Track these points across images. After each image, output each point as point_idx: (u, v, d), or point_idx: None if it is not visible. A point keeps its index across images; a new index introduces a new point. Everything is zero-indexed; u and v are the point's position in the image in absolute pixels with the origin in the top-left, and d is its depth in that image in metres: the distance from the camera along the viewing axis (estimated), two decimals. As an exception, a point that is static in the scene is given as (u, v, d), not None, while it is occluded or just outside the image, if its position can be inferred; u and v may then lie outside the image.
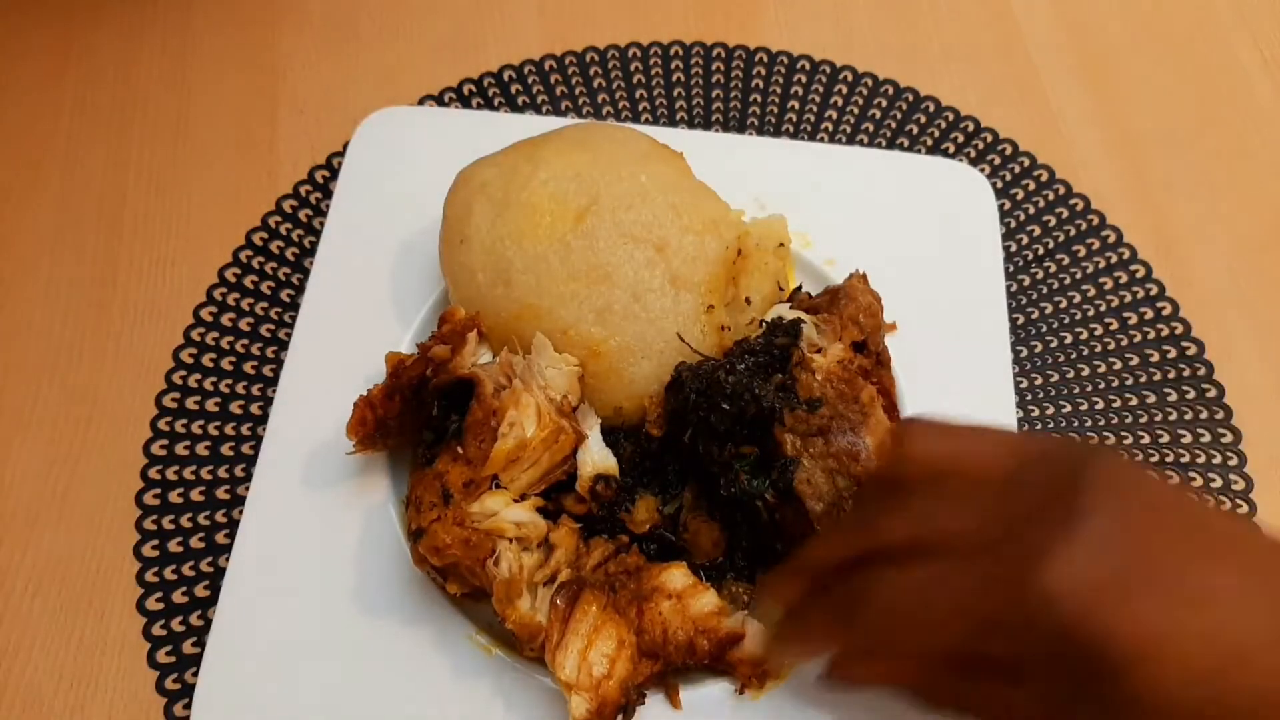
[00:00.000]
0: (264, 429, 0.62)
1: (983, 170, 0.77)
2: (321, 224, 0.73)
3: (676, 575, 0.54)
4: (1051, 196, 0.77)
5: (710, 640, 0.53)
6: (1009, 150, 0.79)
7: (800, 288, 0.67)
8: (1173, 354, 0.70)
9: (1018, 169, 0.78)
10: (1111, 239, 0.75)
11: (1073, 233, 0.76)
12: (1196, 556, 0.36)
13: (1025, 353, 0.70)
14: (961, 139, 0.80)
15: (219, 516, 0.64)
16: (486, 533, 0.52)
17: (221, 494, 0.65)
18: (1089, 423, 0.68)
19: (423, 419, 0.58)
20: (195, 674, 0.56)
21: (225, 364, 0.69)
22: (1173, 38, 0.86)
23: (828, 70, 0.83)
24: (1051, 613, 0.35)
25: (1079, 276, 0.74)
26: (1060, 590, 0.35)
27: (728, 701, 0.54)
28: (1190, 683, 0.34)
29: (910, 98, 0.81)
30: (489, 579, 0.52)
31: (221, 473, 0.65)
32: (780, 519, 0.55)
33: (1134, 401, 0.69)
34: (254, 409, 0.68)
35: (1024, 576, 0.36)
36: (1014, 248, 0.75)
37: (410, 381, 0.56)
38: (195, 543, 0.63)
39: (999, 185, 0.77)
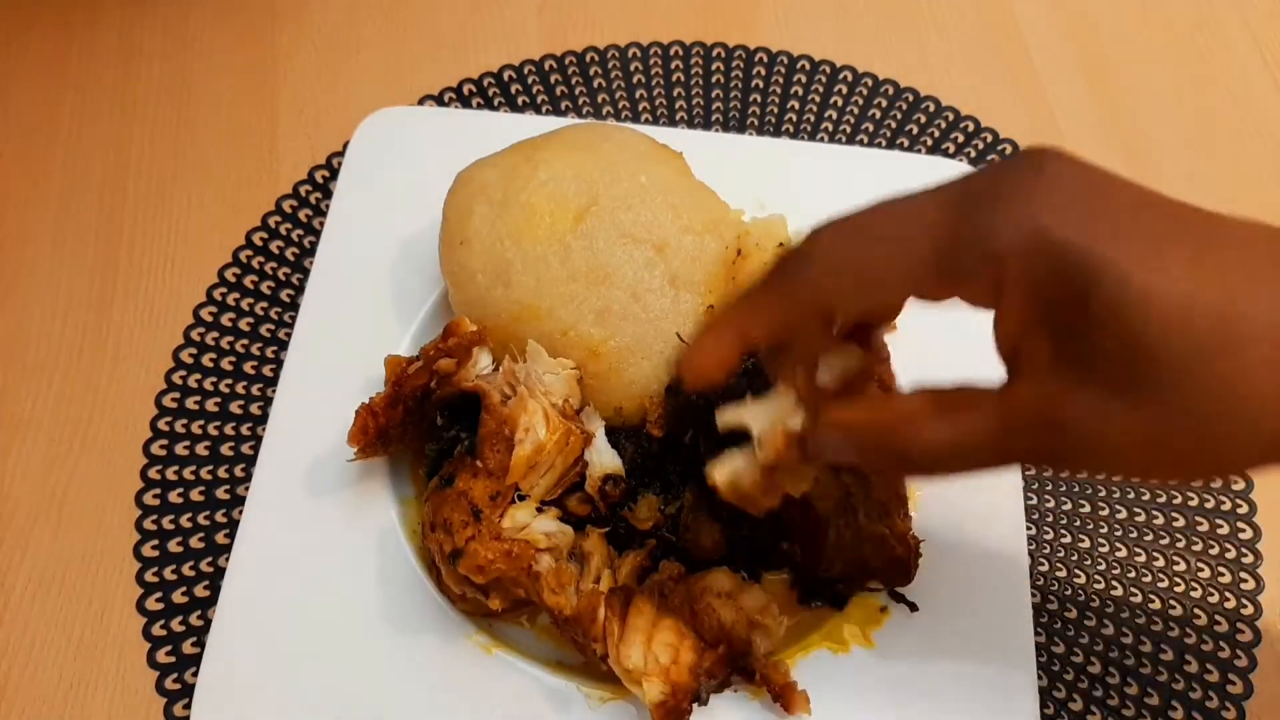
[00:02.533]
0: (264, 429, 0.63)
1: (983, 170, 0.77)
2: (321, 224, 0.74)
3: (721, 577, 0.54)
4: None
5: (765, 635, 0.53)
6: (1009, 150, 0.79)
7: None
8: (1173, 354, 0.70)
9: (1018, 169, 0.78)
10: (1111, 239, 0.75)
11: (1073, 233, 0.75)
12: (1160, 213, 0.37)
13: (1025, 353, 0.70)
14: (961, 139, 0.80)
15: (219, 516, 0.64)
16: (525, 541, 0.52)
17: (221, 494, 0.65)
18: (1089, 423, 0.67)
19: (425, 427, 0.58)
20: (195, 674, 0.56)
21: (225, 364, 0.69)
22: (1172, 38, 0.86)
23: (828, 70, 0.83)
24: (1030, 239, 0.36)
25: (1079, 276, 0.73)
26: (1028, 218, 0.36)
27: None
28: (1169, 286, 0.35)
29: (910, 98, 0.81)
30: (534, 580, 0.52)
31: (221, 473, 0.65)
32: (787, 518, 0.55)
33: (1134, 401, 0.68)
34: (254, 409, 0.68)
35: (989, 216, 0.37)
36: (1014, 248, 0.75)
37: (413, 391, 0.57)
38: (195, 543, 0.63)
39: (999, 185, 0.77)
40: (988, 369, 0.64)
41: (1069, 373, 0.38)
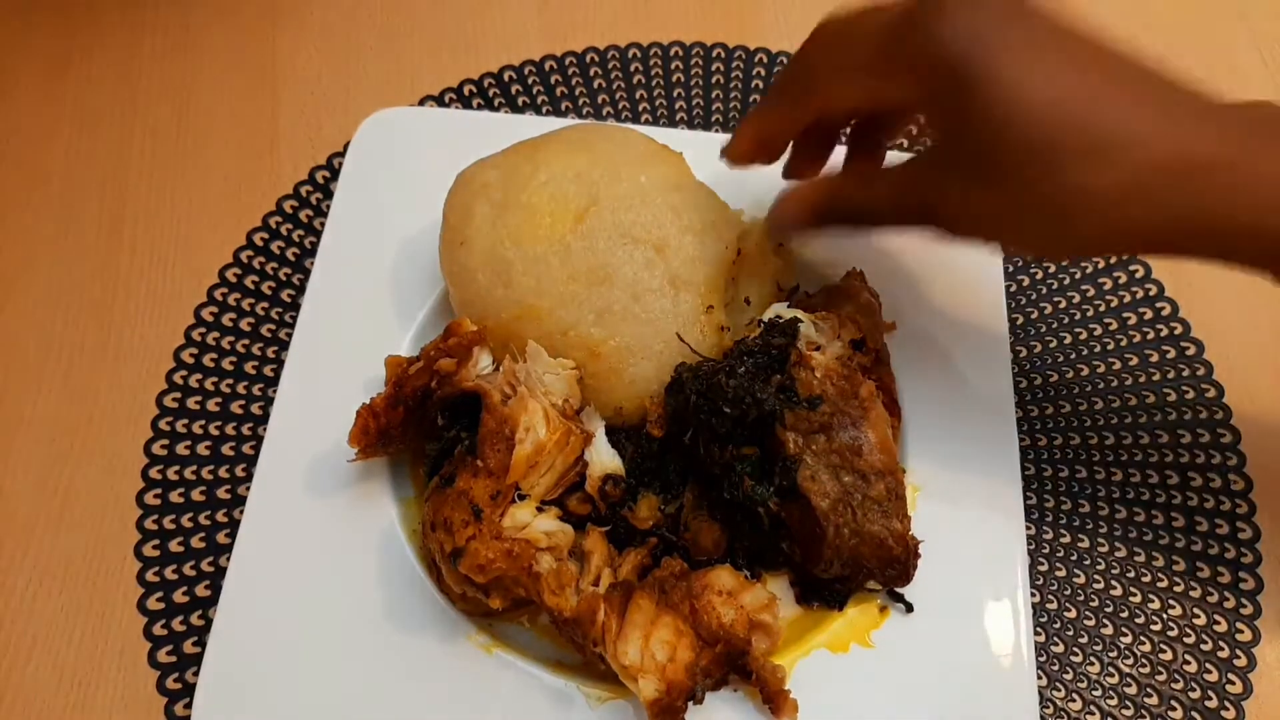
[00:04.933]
0: (265, 429, 0.63)
1: (983, 170, 0.76)
2: (322, 224, 0.74)
3: (724, 575, 0.54)
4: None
5: (766, 634, 0.53)
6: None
7: (798, 287, 0.67)
8: (1172, 354, 0.71)
9: (1018, 169, 0.78)
10: (1111, 239, 0.75)
11: (1072, 233, 0.76)
12: (1061, 34, 0.46)
13: (1025, 353, 0.70)
14: (961, 139, 0.80)
15: (219, 516, 0.64)
16: (526, 541, 0.53)
17: (222, 494, 0.65)
18: (1089, 422, 0.68)
19: (425, 427, 0.58)
20: (195, 674, 0.56)
21: (226, 364, 0.69)
22: (1172, 38, 0.86)
23: (828, 70, 0.82)
24: (936, 45, 0.46)
25: (1079, 276, 0.74)
26: (946, 33, 0.46)
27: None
28: (1031, 68, 0.45)
29: (910, 98, 0.81)
30: (534, 580, 0.52)
31: (222, 472, 0.65)
32: (787, 518, 0.55)
33: (1134, 401, 0.69)
34: (255, 409, 0.68)
35: (922, 24, 0.47)
36: (1014, 248, 0.75)
37: (414, 392, 0.57)
38: (195, 543, 0.63)
39: (999, 185, 0.77)
40: (987, 369, 0.65)
41: (944, 157, 0.49)
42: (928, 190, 0.50)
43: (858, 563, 0.54)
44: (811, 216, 0.57)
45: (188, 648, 0.60)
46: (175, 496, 0.65)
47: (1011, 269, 0.74)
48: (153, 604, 0.61)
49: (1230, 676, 0.59)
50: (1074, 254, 0.50)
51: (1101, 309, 0.72)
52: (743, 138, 0.58)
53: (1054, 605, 0.61)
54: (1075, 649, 0.60)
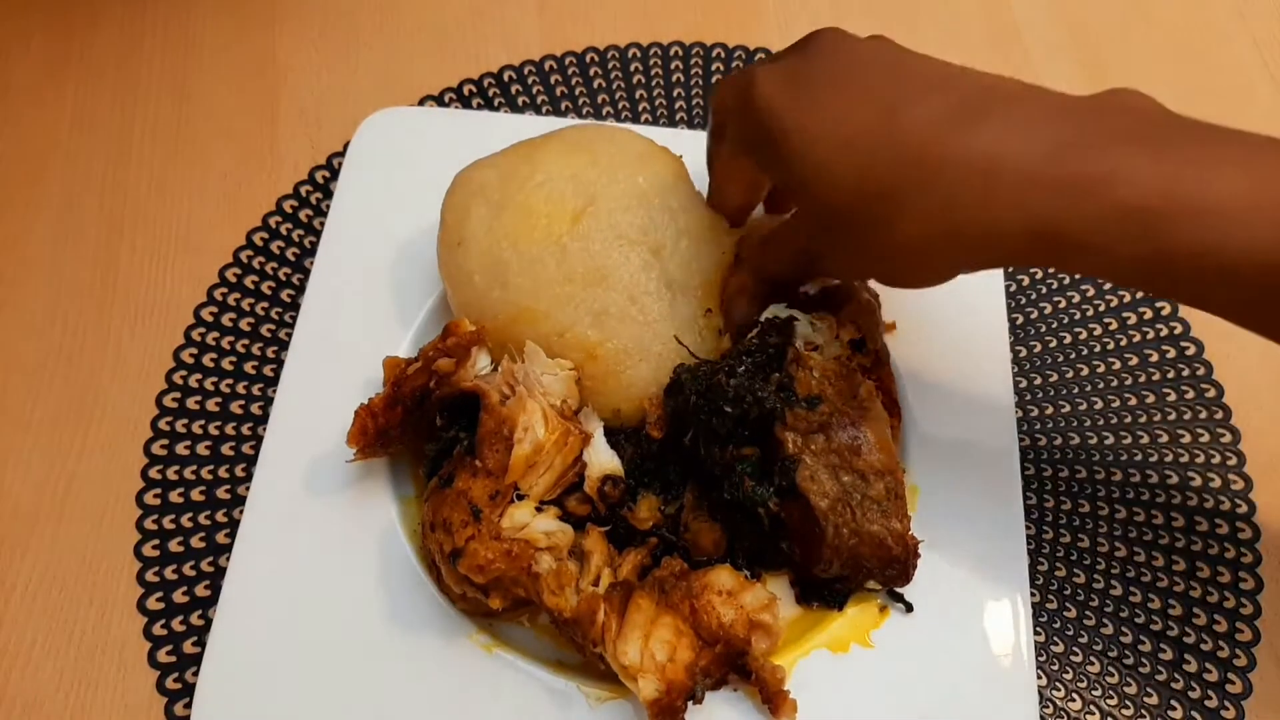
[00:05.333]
0: (265, 429, 0.63)
1: (982, 170, 0.76)
2: (322, 224, 0.74)
3: (724, 575, 0.54)
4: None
5: (766, 634, 0.53)
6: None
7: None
8: (1172, 354, 0.70)
9: (1018, 169, 0.78)
10: (1111, 239, 0.75)
11: (1073, 232, 0.75)
12: (843, 82, 0.48)
13: (1025, 353, 0.70)
14: (961, 139, 0.80)
15: (219, 516, 0.64)
16: (525, 541, 0.52)
17: (222, 494, 0.65)
18: (1089, 422, 0.68)
19: (424, 427, 0.58)
20: (195, 674, 0.56)
21: (226, 364, 0.70)
22: (1172, 38, 0.86)
23: (828, 70, 0.82)
24: (752, 104, 0.50)
25: (1078, 276, 0.74)
26: (757, 94, 0.49)
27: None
28: (824, 165, 0.47)
29: (910, 97, 0.81)
30: (534, 580, 0.52)
31: (222, 472, 0.65)
32: (786, 518, 0.55)
33: (1134, 401, 0.69)
34: (254, 409, 0.68)
35: (748, 84, 0.50)
36: (1014, 248, 0.75)
37: (412, 392, 0.57)
38: (195, 543, 0.63)
39: (999, 185, 0.77)
40: (987, 369, 0.65)
41: (801, 214, 0.54)
42: (809, 245, 0.54)
43: (857, 563, 0.54)
44: (755, 305, 0.59)
45: (188, 648, 0.60)
46: (175, 496, 0.65)
47: (1011, 269, 0.73)
48: (153, 604, 0.61)
49: (1230, 676, 0.59)
50: (929, 283, 0.51)
51: (1101, 309, 0.72)
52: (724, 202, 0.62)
53: (1054, 605, 0.61)
54: (1075, 649, 0.60)
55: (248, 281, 0.73)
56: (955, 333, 0.66)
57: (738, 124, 0.52)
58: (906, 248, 0.47)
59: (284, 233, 0.75)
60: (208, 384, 0.69)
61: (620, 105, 0.81)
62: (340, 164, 0.73)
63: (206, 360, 0.70)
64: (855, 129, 0.46)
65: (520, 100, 0.82)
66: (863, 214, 0.47)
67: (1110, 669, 0.60)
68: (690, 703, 0.51)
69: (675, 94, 0.82)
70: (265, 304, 0.72)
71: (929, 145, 0.44)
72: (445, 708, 0.54)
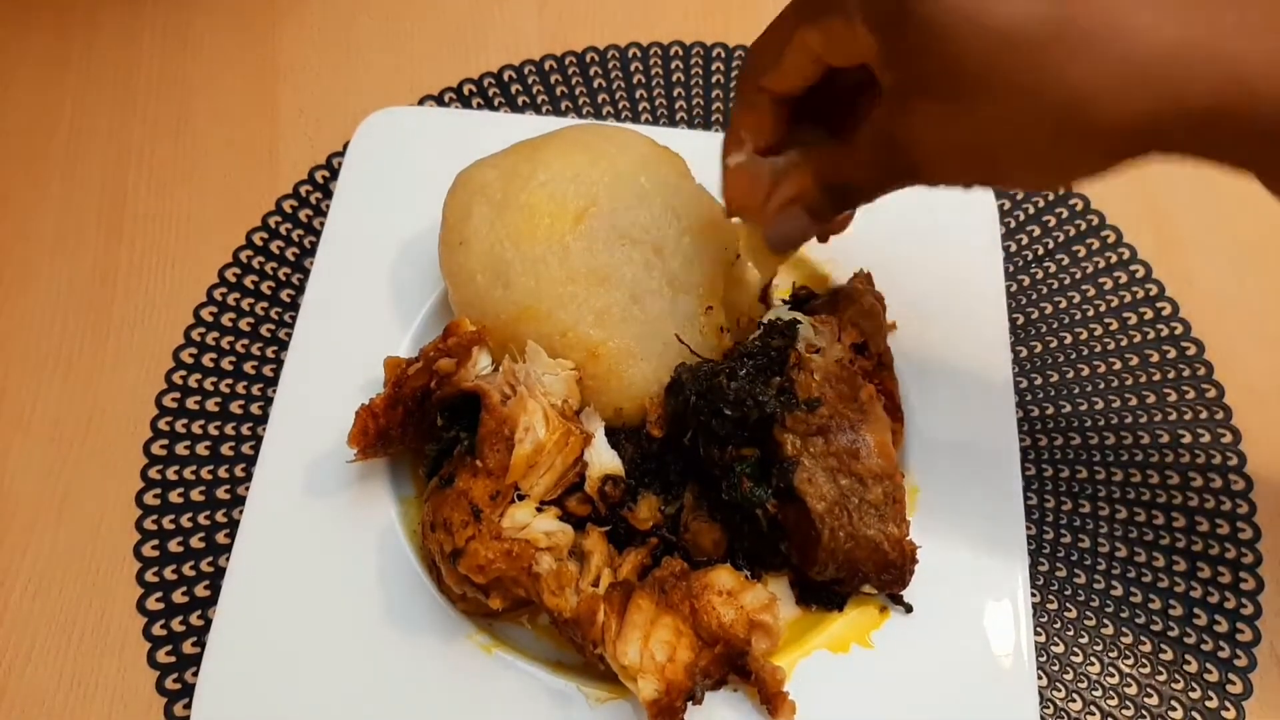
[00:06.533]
0: (264, 429, 0.63)
1: (983, 170, 0.76)
2: (322, 224, 0.74)
3: (724, 575, 0.54)
4: (1051, 196, 0.77)
5: (766, 634, 0.53)
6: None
7: (802, 288, 0.67)
8: (1173, 354, 0.71)
9: (1018, 169, 0.78)
10: (1111, 239, 0.75)
11: (1072, 233, 0.76)
12: None
13: (1025, 353, 0.70)
14: (961, 139, 0.80)
15: (219, 516, 0.64)
16: (525, 541, 0.52)
17: (222, 494, 0.65)
18: (1089, 422, 0.68)
19: (425, 428, 0.58)
20: (195, 674, 0.56)
21: (225, 364, 0.69)
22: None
23: (828, 70, 0.83)
24: None
25: (1079, 276, 0.74)
26: None
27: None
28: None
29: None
30: (534, 580, 0.52)
31: (222, 473, 0.65)
32: (784, 519, 0.55)
33: (1134, 401, 0.69)
34: (254, 409, 0.68)
35: None
36: (1014, 247, 0.75)
37: (413, 392, 0.57)
38: (195, 543, 0.63)
39: (999, 185, 0.77)
40: (988, 369, 0.65)
41: (903, 96, 0.43)
42: (899, 134, 0.45)
43: (853, 566, 0.54)
44: (811, 221, 0.53)
45: (187, 648, 0.60)
46: (175, 496, 0.65)
47: (1012, 269, 0.74)
48: (152, 604, 0.61)
49: (1230, 676, 0.59)
50: (1073, 173, 0.44)
51: (1101, 309, 0.72)
52: (731, 181, 0.55)
53: (1054, 605, 0.61)
54: (1075, 649, 0.60)
55: (248, 281, 0.73)
56: (956, 333, 0.66)
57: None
58: (1056, 109, 0.40)
59: (284, 233, 0.75)
60: (208, 384, 0.69)
61: (620, 105, 0.81)
62: (340, 164, 0.73)
63: (206, 360, 0.70)
64: None
65: (520, 100, 0.82)
66: (1008, 69, 0.40)
67: (1110, 669, 0.60)
68: (690, 703, 0.51)
69: (675, 94, 0.82)
70: (265, 304, 0.72)
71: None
72: (445, 708, 0.54)
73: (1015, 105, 0.41)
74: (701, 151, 0.66)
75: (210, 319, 0.71)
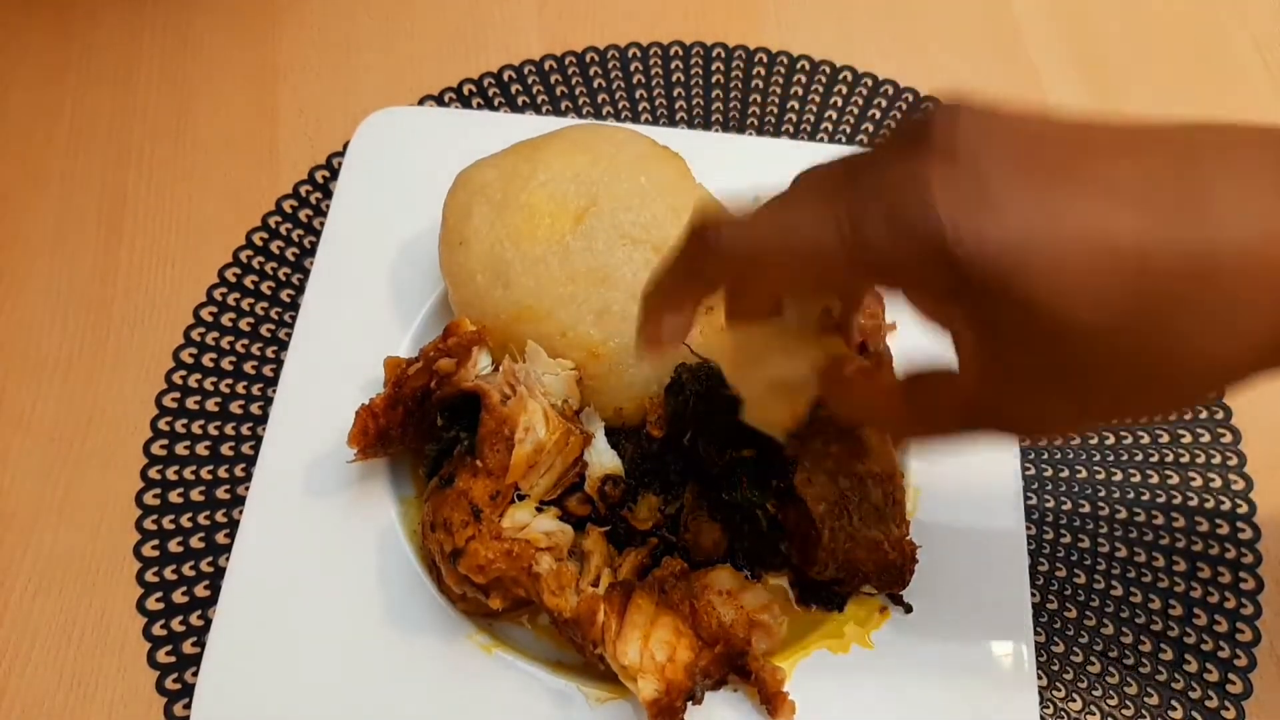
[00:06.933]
0: (264, 429, 0.63)
1: (983, 170, 0.76)
2: (321, 224, 0.74)
3: (724, 575, 0.55)
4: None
5: (766, 634, 0.54)
6: (1009, 150, 0.79)
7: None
8: (1173, 354, 0.70)
9: (1018, 169, 0.78)
10: (1111, 239, 0.75)
11: (1073, 233, 0.75)
12: (1053, 166, 0.35)
13: (1025, 353, 0.70)
14: (961, 139, 0.80)
15: (219, 516, 0.64)
16: (525, 541, 0.52)
17: (222, 494, 0.65)
18: (1089, 423, 0.68)
19: (425, 428, 0.58)
20: (195, 674, 0.56)
21: (225, 364, 0.69)
22: (1173, 39, 0.86)
23: (828, 70, 0.83)
24: (917, 245, 0.34)
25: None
26: (922, 224, 0.34)
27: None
28: (1069, 288, 0.33)
29: (910, 98, 0.81)
30: (534, 580, 0.52)
31: (221, 472, 0.65)
32: (784, 520, 0.55)
33: (1134, 402, 0.68)
34: (254, 409, 0.68)
35: (885, 220, 0.35)
36: (1014, 248, 0.75)
37: (413, 392, 0.57)
38: (195, 543, 0.63)
39: (999, 185, 0.77)
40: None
41: (994, 365, 0.38)
42: (991, 401, 0.40)
43: (853, 566, 0.54)
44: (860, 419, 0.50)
45: (187, 648, 0.60)
46: (175, 496, 0.65)
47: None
48: (152, 604, 0.61)
49: (1230, 676, 0.59)
50: (1178, 410, 0.42)
51: (1101, 309, 0.72)
52: (655, 324, 0.45)
53: (1054, 605, 0.61)
54: (1075, 649, 0.60)
55: (247, 281, 0.73)
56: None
57: (925, 274, 0.36)
58: (1194, 366, 0.38)
59: (284, 233, 0.75)
60: (207, 384, 0.69)
61: (620, 105, 0.81)
62: (340, 164, 0.73)
63: (206, 360, 0.70)
64: (1106, 227, 0.33)
65: (520, 100, 0.82)
66: (1131, 337, 0.35)
67: (1110, 669, 0.60)
68: (690, 703, 0.51)
69: (675, 94, 0.82)
70: (265, 304, 0.72)
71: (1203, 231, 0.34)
72: (445, 708, 0.54)
73: (1118, 381, 0.37)
74: (701, 151, 0.66)
75: (210, 319, 0.71)
